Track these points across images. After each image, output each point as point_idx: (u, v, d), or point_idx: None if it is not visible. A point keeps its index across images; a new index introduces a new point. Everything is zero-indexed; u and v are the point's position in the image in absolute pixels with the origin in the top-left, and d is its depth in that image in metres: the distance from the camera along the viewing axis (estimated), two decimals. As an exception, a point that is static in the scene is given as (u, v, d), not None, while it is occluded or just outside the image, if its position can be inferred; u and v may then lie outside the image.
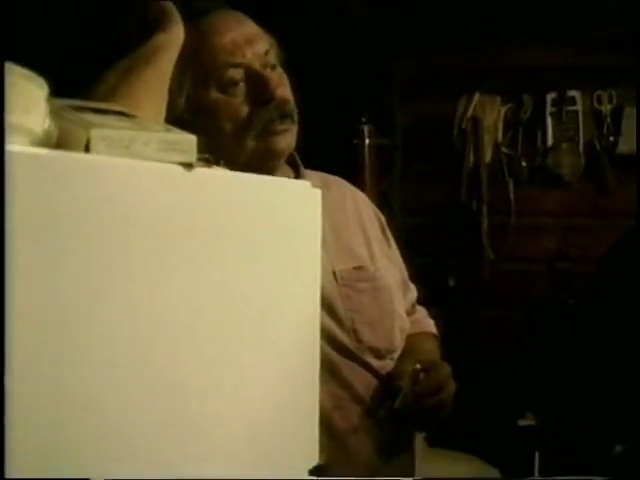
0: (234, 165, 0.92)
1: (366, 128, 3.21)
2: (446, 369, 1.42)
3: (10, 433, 0.58)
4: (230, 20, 1.34)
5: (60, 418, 0.65)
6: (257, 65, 1.31)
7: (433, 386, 1.37)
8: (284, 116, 1.32)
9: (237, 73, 1.30)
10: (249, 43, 1.31)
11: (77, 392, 0.66)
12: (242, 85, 1.30)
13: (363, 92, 3.20)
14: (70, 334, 0.66)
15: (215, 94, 1.30)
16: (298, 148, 1.42)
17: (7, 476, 0.57)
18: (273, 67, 1.34)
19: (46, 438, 0.63)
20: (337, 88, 2.99)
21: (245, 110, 1.30)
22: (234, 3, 1.39)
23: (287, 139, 1.34)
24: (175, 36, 1.11)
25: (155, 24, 1.10)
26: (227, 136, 1.30)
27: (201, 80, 1.29)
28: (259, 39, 1.34)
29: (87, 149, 0.69)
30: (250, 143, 1.30)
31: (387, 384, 1.40)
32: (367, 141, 3.21)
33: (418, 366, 1.37)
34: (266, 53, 1.33)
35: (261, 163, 1.26)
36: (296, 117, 1.35)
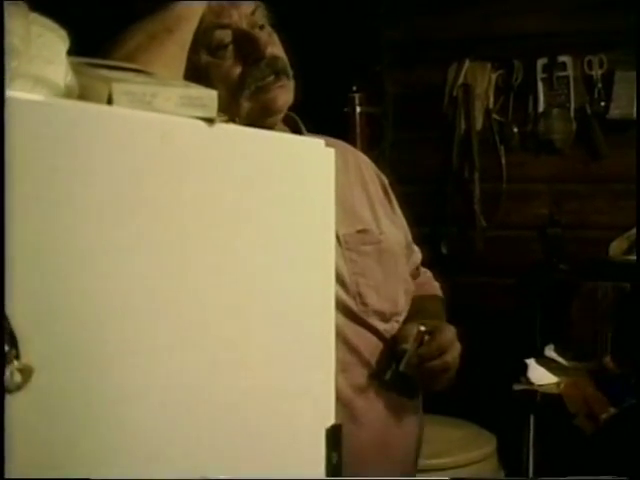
0: None
1: (357, 96, 3.19)
2: (451, 331, 1.41)
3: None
4: None
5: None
6: (244, 25, 1.31)
7: (437, 348, 1.37)
8: (277, 73, 1.31)
9: (225, 35, 1.29)
10: (234, 5, 1.31)
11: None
12: (231, 47, 1.30)
13: (353, 60, 3.18)
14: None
15: (205, 58, 1.29)
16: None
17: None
18: (261, 27, 1.34)
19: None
20: (327, 56, 2.97)
21: (236, 71, 1.30)
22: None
23: (284, 95, 1.33)
24: (198, 5, 1.10)
25: None
26: (222, 99, 1.28)
27: (191, 44, 1.28)
28: (244, 1, 1.33)
29: (109, 104, 0.67)
30: (245, 103, 1.29)
31: (392, 347, 1.40)
32: (358, 109, 3.19)
33: (422, 328, 1.37)
34: (252, 13, 1.33)
35: (258, 122, 1.25)
36: (291, 72, 1.34)
